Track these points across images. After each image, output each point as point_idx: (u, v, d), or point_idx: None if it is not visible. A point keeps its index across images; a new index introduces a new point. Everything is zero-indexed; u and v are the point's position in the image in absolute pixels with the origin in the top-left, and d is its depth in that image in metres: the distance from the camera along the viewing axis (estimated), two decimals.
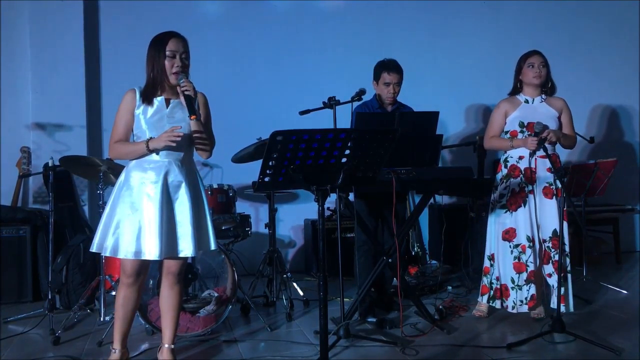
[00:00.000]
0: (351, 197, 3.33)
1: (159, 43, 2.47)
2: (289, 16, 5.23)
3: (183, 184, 2.50)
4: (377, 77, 3.63)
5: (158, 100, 2.50)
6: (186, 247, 2.47)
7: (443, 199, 5.26)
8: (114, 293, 3.26)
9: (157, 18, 4.81)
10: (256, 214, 4.94)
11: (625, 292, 4.06)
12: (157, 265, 2.90)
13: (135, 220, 2.42)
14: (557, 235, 3.28)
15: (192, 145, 2.56)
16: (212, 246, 2.58)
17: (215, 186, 3.68)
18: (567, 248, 3.29)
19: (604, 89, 5.77)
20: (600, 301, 3.83)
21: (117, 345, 2.59)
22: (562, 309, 3.26)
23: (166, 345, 2.62)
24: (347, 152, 2.31)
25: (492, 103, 5.13)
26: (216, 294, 3.31)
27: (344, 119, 3.65)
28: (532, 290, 3.30)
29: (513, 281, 3.34)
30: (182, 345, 2.99)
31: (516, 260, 3.33)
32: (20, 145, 4.47)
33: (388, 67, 3.58)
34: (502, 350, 2.87)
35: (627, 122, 5.89)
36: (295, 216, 5.12)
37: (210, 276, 3.76)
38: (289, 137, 2.17)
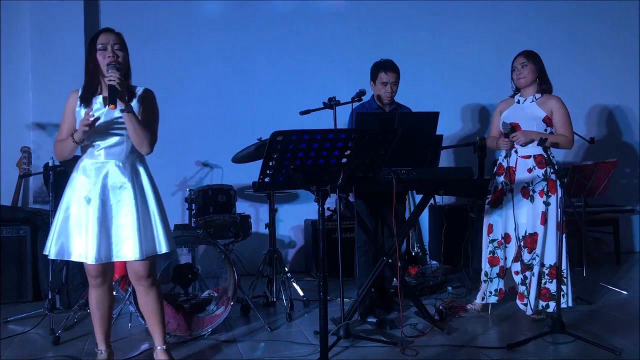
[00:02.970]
0: (351, 197, 3.33)
1: (90, 42, 2.43)
2: (289, 16, 5.23)
3: (127, 185, 2.41)
4: (374, 77, 3.63)
5: (99, 102, 2.45)
6: (129, 252, 2.38)
7: (443, 199, 5.25)
8: (113, 293, 3.25)
9: (157, 18, 4.81)
10: (256, 214, 4.94)
11: (625, 292, 4.05)
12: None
13: (74, 222, 2.38)
14: (530, 235, 3.35)
15: (140, 146, 2.42)
16: (164, 249, 2.44)
17: (215, 186, 3.67)
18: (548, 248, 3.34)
19: (604, 89, 5.76)
20: (600, 302, 3.83)
21: (101, 345, 2.59)
22: (543, 305, 3.35)
23: (159, 347, 2.61)
24: (348, 152, 2.31)
25: (490, 104, 5.14)
26: (216, 294, 3.31)
27: (344, 119, 3.65)
28: (501, 284, 3.46)
29: (486, 274, 3.48)
30: (181, 346, 3.00)
31: (490, 255, 3.47)
32: (20, 145, 4.47)
33: (385, 66, 3.59)
34: (502, 350, 2.87)
35: (627, 123, 5.88)
36: (295, 216, 5.11)
37: (210, 276, 3.77)
38: (289, 137, 2.17)
